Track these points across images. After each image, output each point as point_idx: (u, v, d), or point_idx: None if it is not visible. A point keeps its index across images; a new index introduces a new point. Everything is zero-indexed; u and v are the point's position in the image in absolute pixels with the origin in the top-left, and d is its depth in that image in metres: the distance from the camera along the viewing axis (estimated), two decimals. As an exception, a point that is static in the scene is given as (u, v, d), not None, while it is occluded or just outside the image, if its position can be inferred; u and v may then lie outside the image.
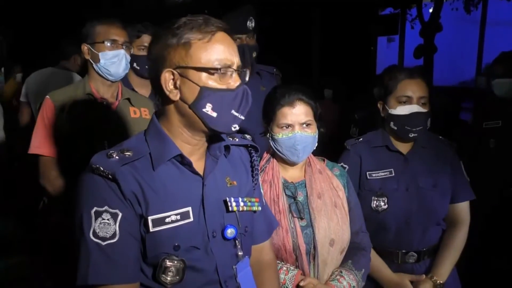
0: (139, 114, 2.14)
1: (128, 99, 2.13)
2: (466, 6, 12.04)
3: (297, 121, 1.57)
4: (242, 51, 2.51)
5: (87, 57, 2.03)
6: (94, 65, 2.02)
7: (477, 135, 3.04)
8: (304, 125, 1.58)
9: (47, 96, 2.01)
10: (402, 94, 1.84)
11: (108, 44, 2.00)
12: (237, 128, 1.15)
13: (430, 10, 10.59)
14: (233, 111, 1.12)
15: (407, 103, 1.83)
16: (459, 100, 3.71)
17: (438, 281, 1.83)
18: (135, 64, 2.55)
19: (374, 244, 1.86)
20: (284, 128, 1.58)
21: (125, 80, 2.60)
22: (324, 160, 1.77)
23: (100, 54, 1.99)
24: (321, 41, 11.02)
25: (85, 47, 2.02)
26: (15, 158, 3.89)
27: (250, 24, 2.50)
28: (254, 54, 2.59)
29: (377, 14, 12.20)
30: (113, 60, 2.00)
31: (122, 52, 2.01)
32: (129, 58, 2.06)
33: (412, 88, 1.83)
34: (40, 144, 1.98)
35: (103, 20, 2.03)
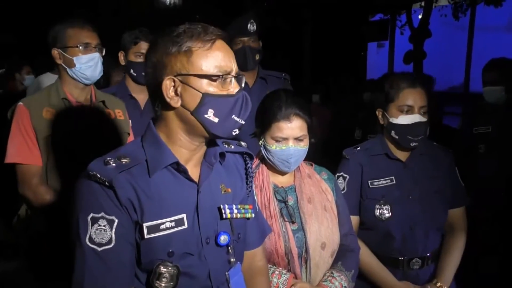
0: (114, 115, 2.10)
1: (103, 102, 2.09)
2: (454, 12, 12.17)
3: (292, 135, 1.57)
4: (244, 53, 2.55)
5: (59, 62, 1.97)
6: (68, 70, 1.96)
7: (466, 141, 3.05)
8: (298, 139, 1.59)
9: (20, 103, 1.91)
10: (404, 103, 1.82)
11: (81, 48, 1.94)
12: (237, 132, 1.17)
13: (419, 17, 10.73)
14: (234, 116, 1.14)
15: (409, 112, 1.82)
16: (442, 105, 3.69)
17: (443, 287, 1.84)
18: (131, 71, 2.53)
19: (380, 252, 1.88)
20: (278, 140, 1.59)
21: (123, 86, 2.59)
22: (312, 165, 1.78)
23: (74, 58, 1.94)
24: (312, 46, 11.10)
25: (55, 52, 1.96)
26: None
27: (251, 27, 2.52)
28: (257, 57, 2.60)
29: (367, 20, 12.33)
30: (89, 64, 1.95)
31: (97, 55, 1.98)
32: (101, 60, 2.01)
33: (414, 98, 1.81)
34: (18, 152, 1.88)
35: (73, 23, 1.97)
